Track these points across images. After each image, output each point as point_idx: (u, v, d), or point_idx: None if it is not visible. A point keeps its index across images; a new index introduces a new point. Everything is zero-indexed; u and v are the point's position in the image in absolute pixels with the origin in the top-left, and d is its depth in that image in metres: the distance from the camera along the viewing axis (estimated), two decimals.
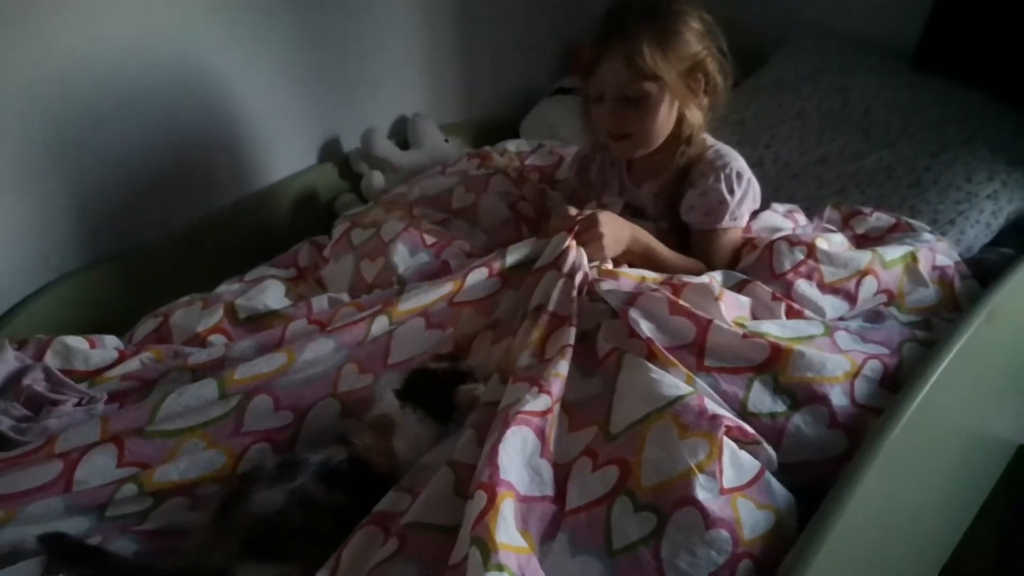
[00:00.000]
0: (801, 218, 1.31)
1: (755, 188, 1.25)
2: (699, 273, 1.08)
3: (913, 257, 1.15)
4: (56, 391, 1.01)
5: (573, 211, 1.11)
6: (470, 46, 1.86)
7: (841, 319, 1.09)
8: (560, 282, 1.02)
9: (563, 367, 0.93)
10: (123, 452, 0.91)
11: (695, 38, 1.17)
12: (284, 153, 1.59)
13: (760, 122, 1.77)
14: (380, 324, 1.04)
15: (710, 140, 1.26)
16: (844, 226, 1.33)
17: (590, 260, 1.07)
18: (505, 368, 0.96)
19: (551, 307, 1.00)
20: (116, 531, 0.89)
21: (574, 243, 1.07)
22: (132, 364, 1.08)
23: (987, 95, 1.59)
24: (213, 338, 1.15)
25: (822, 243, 1.14)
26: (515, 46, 1.93)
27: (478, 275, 1.06)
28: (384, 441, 0.90)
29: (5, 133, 1.19)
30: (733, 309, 0.99)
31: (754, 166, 1.68)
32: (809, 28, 1.89)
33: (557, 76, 2.00)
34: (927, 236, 1.26)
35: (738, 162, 1.23)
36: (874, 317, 1.09)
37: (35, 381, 1.00)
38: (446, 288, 1.05)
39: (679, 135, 1.22)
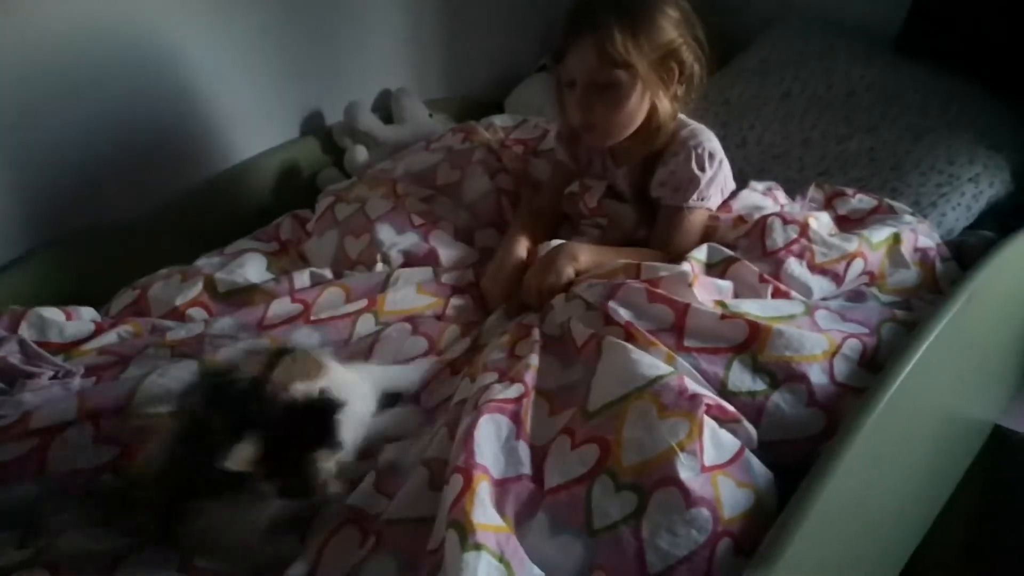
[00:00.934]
0: (781, 196, 1.30)
1: (726, 171, 1.24)
2: (659, 261, 1.07)
3: (896, 238, 1.16)
4: (31, 364, 0.99)
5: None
6: (455, 22, 1.83)
7: (824, 299, 1.09)
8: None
9: (534, 360, 0.94)
10: (98, 431, 0.91)
11: (670, 25, 1.14)
12: (265, 127, 1.57)
13: (744, 103, 1.76)
14: (366, 323, 1.04)
15: (685, 120, 1.24)
16: (826, 206, 1.34)
17: (553, 295, 1.08)
18: (473, 372, 0.97)
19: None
20: None
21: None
22: (109, 337, 1.07)
23: (970, 80, 1.59)
24: (192, 312, 1.13)
25: (814, 223, 1.14)
26: (500, 22, 1.91)
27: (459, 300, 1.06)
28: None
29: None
30: (710, 293, 0.99)
31: (738, 147, 1.72)
32: (795, 11, 1.88)
33: (542, 53, 1.98)
34: (908, 218, 1.26)
35: (711, 143, 1.21)
36: (855, 296, 1.10)
37: (9, 354, 0.99)
38: (431, 301, 1.05)
39: (651, 123, 1.19)
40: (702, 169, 1.19)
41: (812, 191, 1.37)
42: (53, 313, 1.08)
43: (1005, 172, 1.48)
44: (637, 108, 1.16)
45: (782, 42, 1.83)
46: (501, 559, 0.71)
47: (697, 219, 1.20)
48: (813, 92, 1.70)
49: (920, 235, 1.20)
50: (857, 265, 1.11)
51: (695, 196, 1.19)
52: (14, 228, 1.27)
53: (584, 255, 1.13)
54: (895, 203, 1.32)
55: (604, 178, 1.31)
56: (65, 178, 1.31)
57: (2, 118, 1.21)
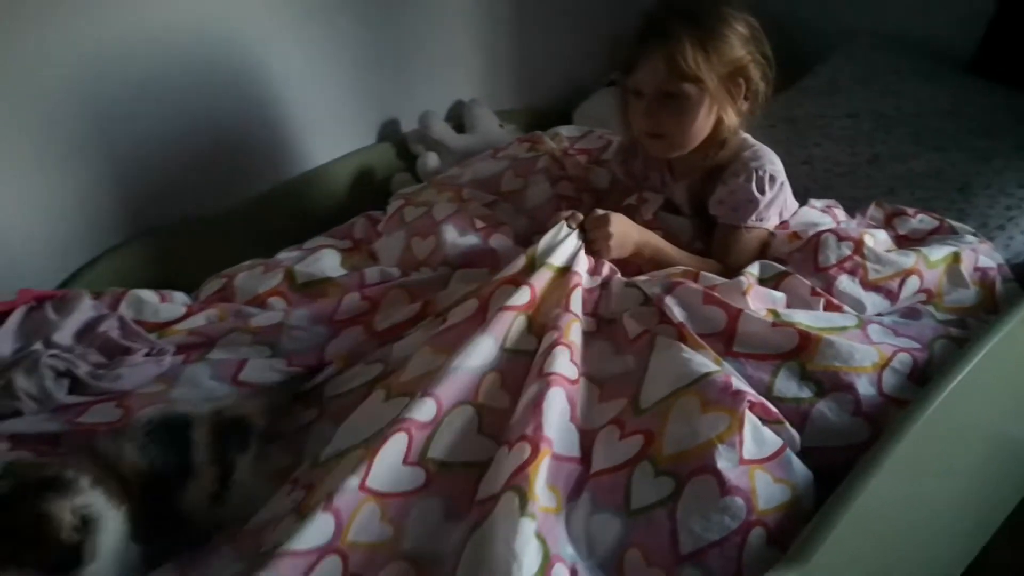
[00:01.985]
0: (840, 213, 1.32)
1: (787, 193, 1.25)
2: (715, 273, 1.09)
3: (956, 257, 1.16)
4: (128, 340, 1.09)
5: (580, 214, 1.14)
6: (528, 36, 1.90)
7: (878, 315, 1.11)
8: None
9: (575, 335, 0.98)
10: None
11: (739, 42, 1.16)
12: (344, 133, 1.67)
13: (811, 121, 1.77)
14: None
15: (750, 140, 1.26)
16: (886, 224, 1.34)
17: (595, 259, 1.11)
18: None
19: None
20: None
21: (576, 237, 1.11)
22: (198, 320, 1.17)
23: None
24: (272, 300, 1.22)
25: (869, 240, 1.15)
26: (571, 37, 1.97)
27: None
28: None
29: (66, 110, 1.28)
30: (763, 302, 1.02)
31: (803, 164, 1.73)
32: (866, 31, 1.88)
33: (611, 68, 2.03)
34: (970, 238, 1.27)
35: (773, 165, 1.23)
36: (909, 313, 1.11)
37: (111, 329, 1.09)
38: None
39: (716, 137, 1.22)
40: (762, 192, 1.20)
41: (872, 209, 1.38)
42: (149, 295, 1.19)
43: None
44: (703, 121, 1.19)
45: (851, 61, 1.83)
46: (538, 535, 0.76)
47: (754, 238, 1.23)
48: (880, 111, 1.71)
49: (981, 255, 1.20)
50: (912, 282, 1.12)
51: (753, 217, 1.21)
52: (116, 217, 1.39)
53: (646, 249, 1.17)
54: (957, 223, 1.32)
55: (662, 192, 1.34)
56: (160, 173, 1.43)
57: (105, 116, 1.32)
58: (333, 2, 1.55)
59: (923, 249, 1.16)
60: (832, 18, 1.97)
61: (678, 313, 0.99)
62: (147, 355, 1.08)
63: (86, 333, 1.09)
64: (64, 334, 1.07)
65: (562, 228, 1.11)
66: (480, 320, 1.00)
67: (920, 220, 1.33)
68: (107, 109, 1.33)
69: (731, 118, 1.21)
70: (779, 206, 1.24)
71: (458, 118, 1.80)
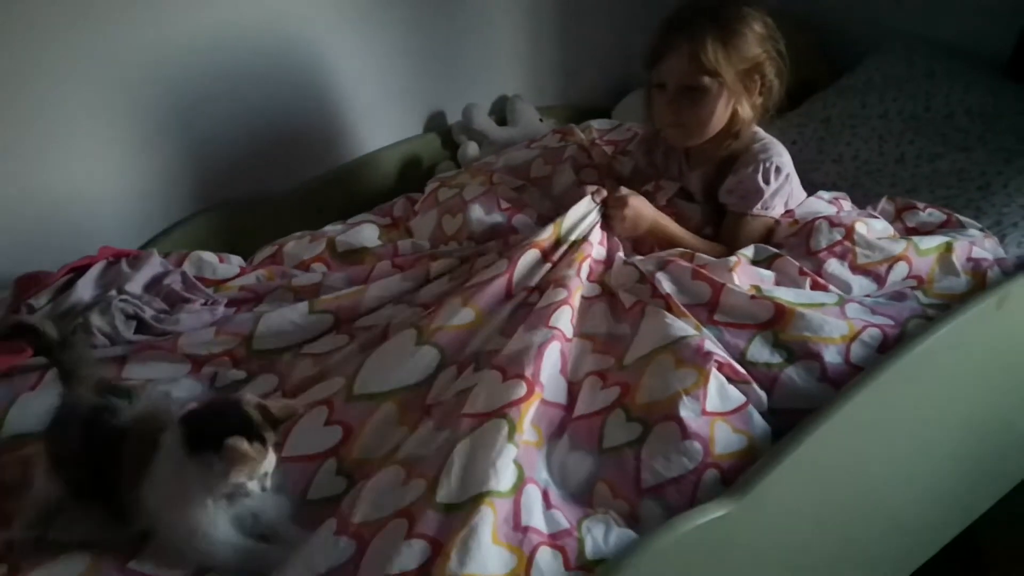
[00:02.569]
0: (846, 204, 1.37)
1: (793, 185, 1.32)
2: (721, 256, 1.17)
3: (948, 247, 1.21)
4: (188, 292, 1.26)
5: (604, 191, 1.25)
6: (570, 35, 2.01)
7: (866, 296, 1.17)
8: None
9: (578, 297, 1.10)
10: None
11: (756, 40, 1.24)
12: (395, 123, 1.82)
13: (844, 120, 1.82)
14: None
15: (761, 134, 1.33)
16: (896, 218, 1.39)
17: (609, 233, 1.21)
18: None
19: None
20: None
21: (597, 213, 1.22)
22: (249, 279, 1.33)
23: None
24: (315, 266, 1.37)
25: (861, 227, 1.22)
26: (613, 36, 2.06)
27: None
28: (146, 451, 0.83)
29: (151, 97, 1.47)
30: (750, 278, 1.10)
31: (834, 161, 1.79)
32: (903, 34, 1.92)
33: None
34: (974, 232, 1.31)
35: (781, 158, 1.30)
36: (896, 296, 1.16)
37: (174, 282, 1.26)
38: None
39: (731, 129, 1.30)
40: (767, 182, 1.28)
41: (884, 203, 1.43)
42: (210, 256, 1.36)
43: None
44: (721, 113, 1.27)
45: (887, 63, 1.87)
46: (516, 461, 0.87)
47: (760, 225, 1.30)
48: (912, 112, 1.74)
49: (977, 246, 1.25)
50: (901, 268, 1.18)
51: (759, 206, 1.28)
52: (190, 192, 1.57)
53: (657, 229, 1.27)
54: (964, 219, 1.36)
55: (678, 180, 1.43)
56: (229, 155, 1.61)
57: (184, 104, 1.51)
58: (382, 4, 1.70)
59: (915, 238, 1.22)
60: (872, 21, 2.01)
61: (667, 286, 1.09)
62: (203, 305, 1.24)
63: (153, 285, 1.26)
64: (135, 285, 1.24)
65: (586, 201, 1.22)
66: (507, 279, 1.12)
67: (929, 214, 1.38)
68: (186, 97, 1.51)
69: (746, 111, 1.29)
70: (784, 196, 1.31)
71: (501, 112, 1.93)
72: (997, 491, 1.28)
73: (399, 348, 1.06)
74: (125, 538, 0.86)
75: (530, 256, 1.16)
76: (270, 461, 0.80)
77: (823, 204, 1.35)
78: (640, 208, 1.25)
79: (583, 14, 2.00)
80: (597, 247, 1.21)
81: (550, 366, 0.99)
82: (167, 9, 1.44)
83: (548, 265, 1.16)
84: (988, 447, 1.20)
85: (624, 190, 1.25)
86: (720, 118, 1.29)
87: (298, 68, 1.64)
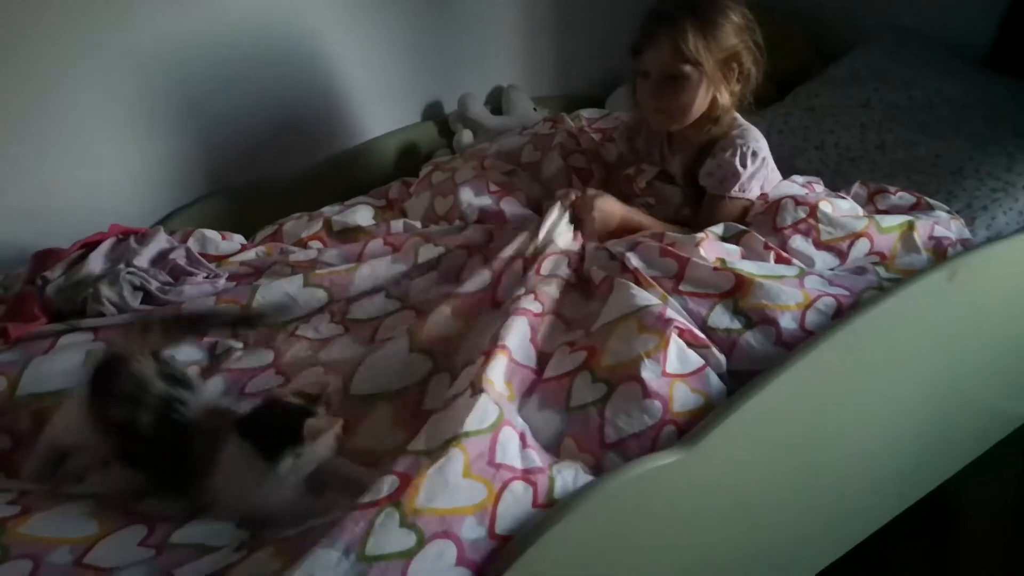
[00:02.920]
0: (819, 188, 1.43)
1: (769, 169, 1.38)
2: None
3: (910, 226, 1.27)
4: (191, 266, 1.34)
5: (573, 194, 1.32)
6: (564, 26, 2.08)
7: (831, 271, 1.23)
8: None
9: (554, 289, 1.16)
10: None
11: (734, 31, 1.30)
12: (393, 112, 1.90)
13: (828, 109, 1.88)
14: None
15: (740, 120, 1.39)
16: (868, 201, 1.46)
17: (585, 237, 1.28)
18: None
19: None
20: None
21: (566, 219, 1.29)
22: (249, 255, 1.41)
23: None
24: (312, 243, 1.45)
25: (825, 206, 1.28)
26: (607, 28, 2.11)
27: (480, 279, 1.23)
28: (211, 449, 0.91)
29: (161, 86, 1.57)
30: (715, 252, 1.17)
31: (816, 148, 1.85)
32: (890, 27, 1.97)
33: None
34: (941, 214, 1.37)
35: (758, 143, 1.36)
36: (856, 271, 1.22)
37: (179, 257, 1.34)
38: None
39: (711, 115, 1.36)
40: (744, 166, 1.34)
41: (856, 187, 1.49)
42: (213, 234, 1.44)
43: None
44: (702, 100, 1.33)
45: (872, 55, 1.93)
46: (495, 402, 0.93)
47: (737, 207, 1.36)
48: (893, 102, 1.80)
49: (940, 226, 1.30)
50: (862, 244, 1.24)
51: (736, 188, 1.34)
52: (197, 176, 1.66)
53: (628, 223, 1.33)
54: (934, 201, 1.42)
55: (659, 165, 1.50)
56: (234, 142, 1.69)
57: (192, 93, 1.60)
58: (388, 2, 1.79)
59: (877, 216, 1.28)
60: (861, 14, 2.07)
61: (635, 262, 1.16)
62: (205, 278, 1.32)
63: (159, 260, 1.34)
64: (142, 259, 1.32)
65: (555, 208, 1.29)
66: (492, 292, 1.19)
67: (900, 197, 1.44)
68: (194, 86, 1.60)
69: (724, 98, 1.35)
70: (760, 180, 1.37)
71: (496, 101, 2.00)
72: (961, 459, 1.34)
73: (393, 354, 1.11)
74: (172, 509, 0.93)
75: (515, 268, 1.22)
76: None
77: (795, 187, 1.41)
78: (607, 207, 1.32)
79: (577, 7, 2.07)
80: (571, 242, 1.28)
81: (516, 335, 1.06)
82: (179, 4, 1.53)
83: (531, 273, 1.21)
84: (947, 416, 1.26)
85: (591, 191, 1.32)
86: (700, 105, 1.35)
87: (302, 59, 1.72)
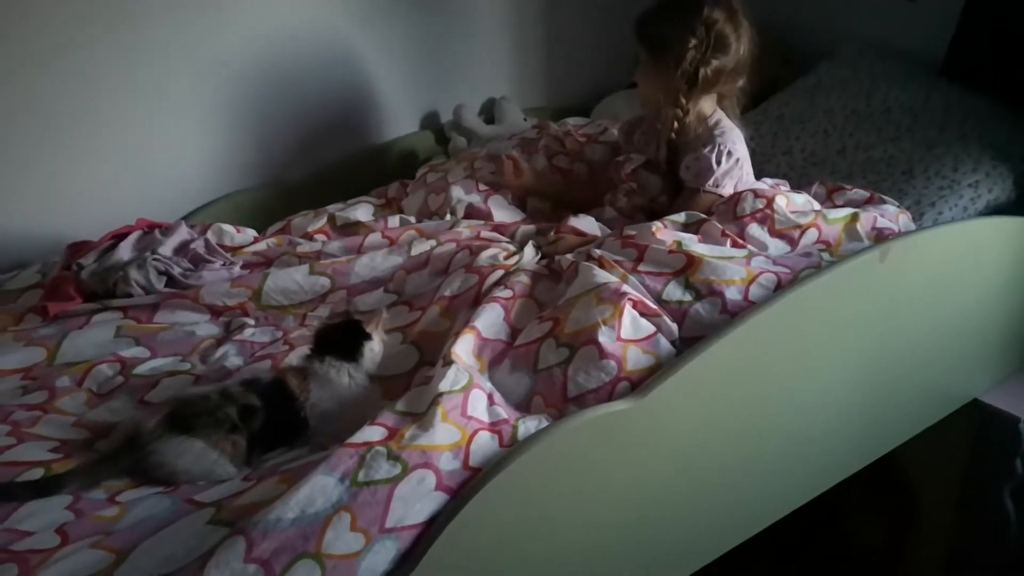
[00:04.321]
0: (784, 188, 1.57)
1: (744, 169, 1.51)
2: None
3: (854, 217, 1.42)
4: (210, 255, 1.49)
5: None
6: (554, 42, 2.24)
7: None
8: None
9: (524, 278, 1.31)
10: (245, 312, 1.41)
11: (695, 49, 1.45)
12: (395, 119, 2.06)
13: (794, 117, 2.03)
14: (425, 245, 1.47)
15: (724, 122, 1.53)
16: (827, 198, 1.60)
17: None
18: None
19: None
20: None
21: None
22: (261, 246, 1.56)
23: (996, 100, 1.78)
24: (317, 236, 1.61)
25: (781, 200, 1.42)
26: (595, 43, 2.28)
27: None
28: (303, 382, 1.11)
29: (204, 91, 1.76)
30: (671, 237, 1.31)
31: (784, 154, 2.00)
32: (856, 40, 2.12)
33: (632, 71, 2.34)
34: (890, 208, 1.51)
35: (735, 144, 1.50)
36: (802, 255, 1.36)
37: (198, 246, 1.50)
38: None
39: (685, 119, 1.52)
40: (719, 163, 1.48)
41: (816, 187, 1.63)
42: (229, 227, 1.59)
43: (1008, 180, 1.67)
44: (651, 87, 1.55)
45: (836, 66, 2.07)
46: (467, 372, 1.08)
47: (709, 201, 1.49)
48: (854, 108, 1.94)
49: (884, 218, 1.44)
50: (811, 234, 1.38)
51: (710, 183, 1.49)
52: (213, 178, 1.82)
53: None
54: (885, 197, 1.56)
55: (647, 155, 1.64)
56: (253, 145, 1.87)
57: (241, 95, 1.80)
58: (388, 17, 1.96)
59: (824, 209, 1.42)
60: (830, 28, 2.22)
61: (599, 252, 1.30)
62: (222, 265, 1.48)
63: (181, 249, 1.50)
64: (166, 248, 1.48)
65: (528, 248, 1.44)
66: (477, 292, 1.30)
67: (855, 193, 1.58)
68: (216, 100, 1.80)
69: (689, 106, 1.51)
70: (734, 178, 1.51)
71: (489, 112, 2.16)
72: (908, 429, 1.46)
73: (388, 344, 1.24)
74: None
75: (494, 276, 1.33)
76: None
77: (764, 186, 1.55)
78: (567, 244, 1.45)
79: (564, 25, 2.23)
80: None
81: (487, 315, 1.21)
82: (233, 15, 1.76)
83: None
84: (890, 388, 1.39)
85: (551, 235, 1.49)
86: (649, 91, 1.56)
87: (318, 71, 1.91)
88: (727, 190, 1.51)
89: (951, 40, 1.91)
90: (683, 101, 1.50)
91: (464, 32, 2.10)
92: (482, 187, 1.67)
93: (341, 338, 1.16)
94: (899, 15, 2.09)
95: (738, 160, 1.51)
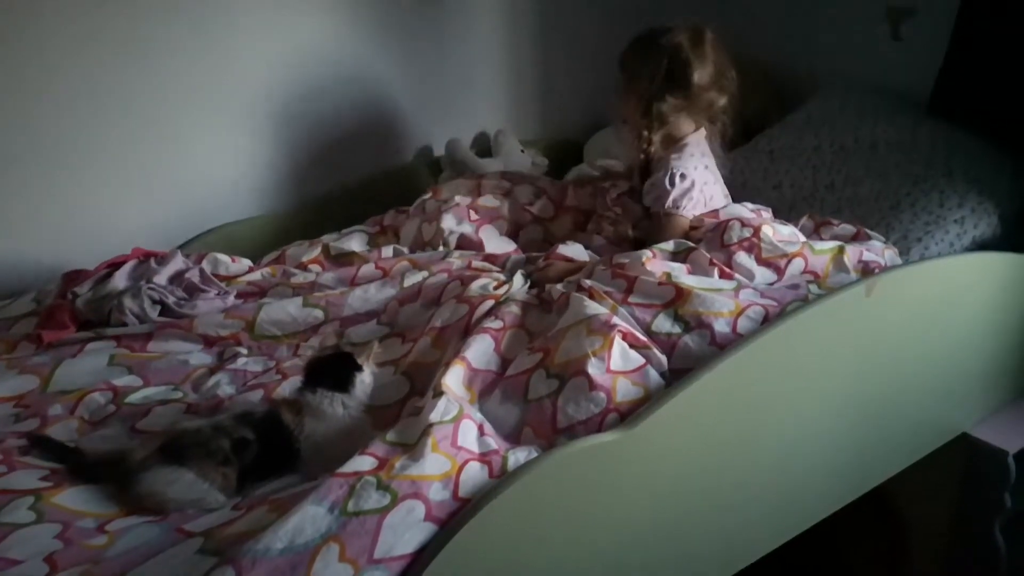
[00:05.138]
0: (767, 215, 1.60)
1: (700, 192, 1.57)
2: None
3: (841, 250, 1.44)
4: (204, 284, 1.51)
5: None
6: (548, 76, 2.28)
7: (769, 285, 1.39)
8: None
9: (514, 308, 1.32)
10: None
11: (647, 77, 1.54)
12: (387, 152, 2.10)
13: (784, 153, 2.06)
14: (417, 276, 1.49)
15: (689, 147, 1.60)
16: (814, 232, 1.63)
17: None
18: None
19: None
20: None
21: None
22: (255, 275, 1.58)
23: (980, 136, 1.82)
24: (311, 266, 1.63)
25: (767, 229, 1.45)
26: (590, 76, 2.31)
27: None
28: (297, 415, 1.12)
29: (202, 122, 1.79)
30: (661, 268, 1.33)
31: (774, 188, 2.03)
32: (844, 78, 2.16)
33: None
34: (875, 244, 1.54)
35: (685, 167, 1.56)
36: (790, 286, 1.38)
37: (193, 276, 1.51)
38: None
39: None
40: (672, 185, 1.54)
41: (804, 220, 1.66)
42: (224, 257, 1.61)
43: (993, 216, 1.70)
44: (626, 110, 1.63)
45: (826, 102, 2.11)
46: (457, 403, 1.09)
47: (673, 222, 1.55)
48: (841, 144, 1.98)
49: (870, 252, 1.47)
50: (797, 263, 1.41)
51: (669, 204, 1.55)
52: (216, 206, 1.85)
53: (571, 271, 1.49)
54: (871, 232, 1.59)
55: (632, 182, 1.69)
56: (248, 174, 1.90)
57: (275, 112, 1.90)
58: (383, 48, 2.01)
59: (811, 241, 1.45)
60: (817, 66, 2.27)
61: (590, 282, 1.32)
62: (216, 295, 1.49)
63: (176, 278, 1.51)
64: (161, 277, 1.49)
65: (518, 277, 1.46)
66: (467, 322, 1.31)
67: (842, 228, 1.61)
68: (243, 122, 1.86)
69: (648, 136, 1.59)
70: (693, 200, 1.56)
71: (483, 143, 2.20)
72: (899, 462, 1.47)
73: (380, 375, 1.26)
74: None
75: (484, 307, 1.35)
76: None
77: (745, 212, 1.58)
78: (554, 272, 1.48)
79: (562, 56, 2.28)
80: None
81: (477, 346, 1.22)
82: (266, 33, 1.83)
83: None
84: (879, 421, 1.40)
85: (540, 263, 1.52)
86: (626, 114, 1.64)
87: (335, 95, 1.97)
88: (687, 211, 1.57)
89: (937, 77, 1.95)
90: (645, 133, 1.57)
91: (458, 68, 2.14)
92: (474, 216, 1.69)
93: (332, 370, 1.16)
94: (886, 53, 2.14)
95: (693, 182, 1.56)
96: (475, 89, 2.19)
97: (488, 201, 1.74)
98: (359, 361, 1.18)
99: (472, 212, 1.69)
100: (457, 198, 1.73)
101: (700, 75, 1.54)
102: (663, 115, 1.55)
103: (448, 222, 1.66)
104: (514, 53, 2.22)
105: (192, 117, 1.77)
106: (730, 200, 1.64)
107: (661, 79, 1.53)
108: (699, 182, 1.57)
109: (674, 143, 1.60)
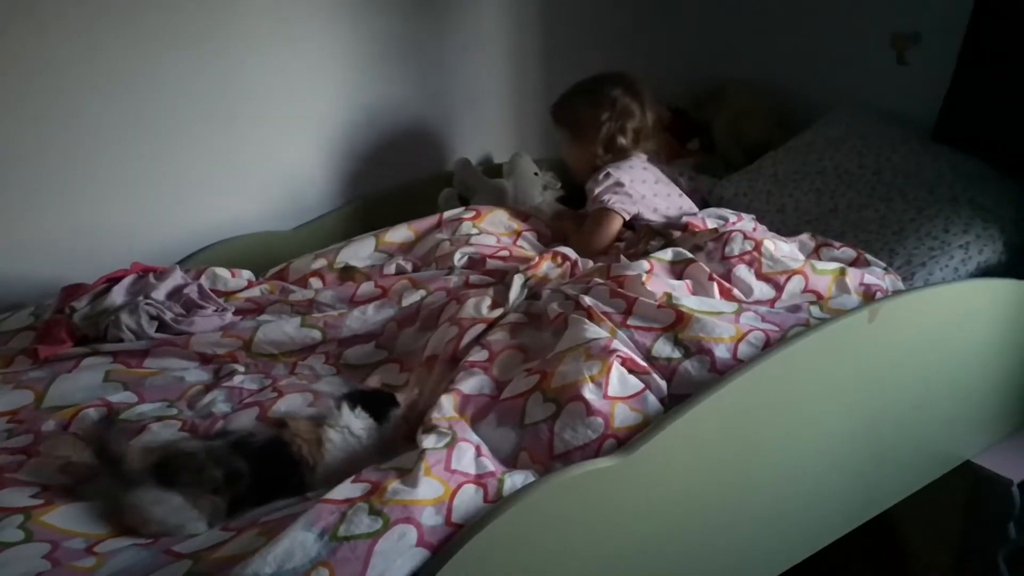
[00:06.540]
0: (747, 219, 1.69)
1: (630, 188, 1.75)
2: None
3: (842, 271, 1.44)
4: (202, 300, 1.50)
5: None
6: (552, 93, 2.29)
7: (762, 301, 1.39)
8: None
9: (503, 334, 1.32)
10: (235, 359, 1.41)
11: (601, 117, 1.80)
12: (398, 171, 2.12)
13: (788, 176, 2.05)
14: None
15: (620, 164, 1.81)
16: (814, 252, 1.62)
17: None
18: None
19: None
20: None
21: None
22: (254, 291, 1.58)
23: (985, 163, 1.81)
24: (312, 280, 1.62)
25: (769, 244, 1.45)
26: None
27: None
28: (315, 429, 1.10)
29: (202, 136, 1.81)
30: (661, 287, 1.32)
31: (778, 211, 2.02)
32: (849, 102, 2.16)
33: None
34: (876, 269, 1.53)
35: (614, 170, 1.78)
36: (792, 309, 1.37)
37: (191, 292, 1.50)
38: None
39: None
40: (597, 183, 1.78)
41: (805, 237, 1.66)
42: (223, 272, 1.61)
43: (998, 242, 1.69)
44: (574, 155, 1.91)
45: (829, 127, 2.11)
46: (449, 431, 1.07)
47: (600, 216, 1.75)
48: (846, 169, 1.97)
49: (871, 276, 1.46)
50: (797, 281, 1.41)
51: (596, 194, 1.77)
52: (216, 221, 1.86)
53: None
54: (871, 257, 1.58)
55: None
56: (252, 189, 1.92)
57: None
58: (395, 66, 2.04)
59: (812, 260, 1.45)
60: (821, 90, 2.28)
61: (589, 301, 1.31)
62: (214, 311, 1.48)
63: (174, 294, 1.50)
64: (159, 293, 1.48)
65: (516, 280, 1.47)
66: (455, 347, 1.32)
67: (842, 251, 1.60)
68: (246, 135, 1.89)
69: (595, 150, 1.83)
70: (619, 195, 1.75)
71: (488, 163, 2.21)
72: (903, 489, 1.45)
73: None
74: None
75: (474, 331, 1.35)
76: None
77: (725, 211, 1.67)
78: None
79: (564, 79, 2.28)
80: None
81: (467, 378, 1.21)
82: None
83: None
84: (882, 448, 1.37)
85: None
86: (574, 158, 1.92)
87: (320, 123, 2.00)
88: (615, 205, 1.74)
89: (942, 103, 1.95)
90: (600, 166, 1.80)
91: (469, 94, 2.19)
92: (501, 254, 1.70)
93: (375, 400, 1.17)
94: (891, 78, 2.14)
95: (617, 180, 1.76)
96: (482, 115, 2.23)
97: (524, 245, 1.77)
98: (400, 400, 1.19)
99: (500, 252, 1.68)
100: (495, 234, 1.76)
101: (642, 112, 1.83)
102: (625, 146, 1.82)
103: (468, 250, 1.65)
104: (518, 81, 2.28)
105: (193, 132, 1.78)
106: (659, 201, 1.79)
107: (615, 114, 1.80)
108: (629, 182, 1.75)
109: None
